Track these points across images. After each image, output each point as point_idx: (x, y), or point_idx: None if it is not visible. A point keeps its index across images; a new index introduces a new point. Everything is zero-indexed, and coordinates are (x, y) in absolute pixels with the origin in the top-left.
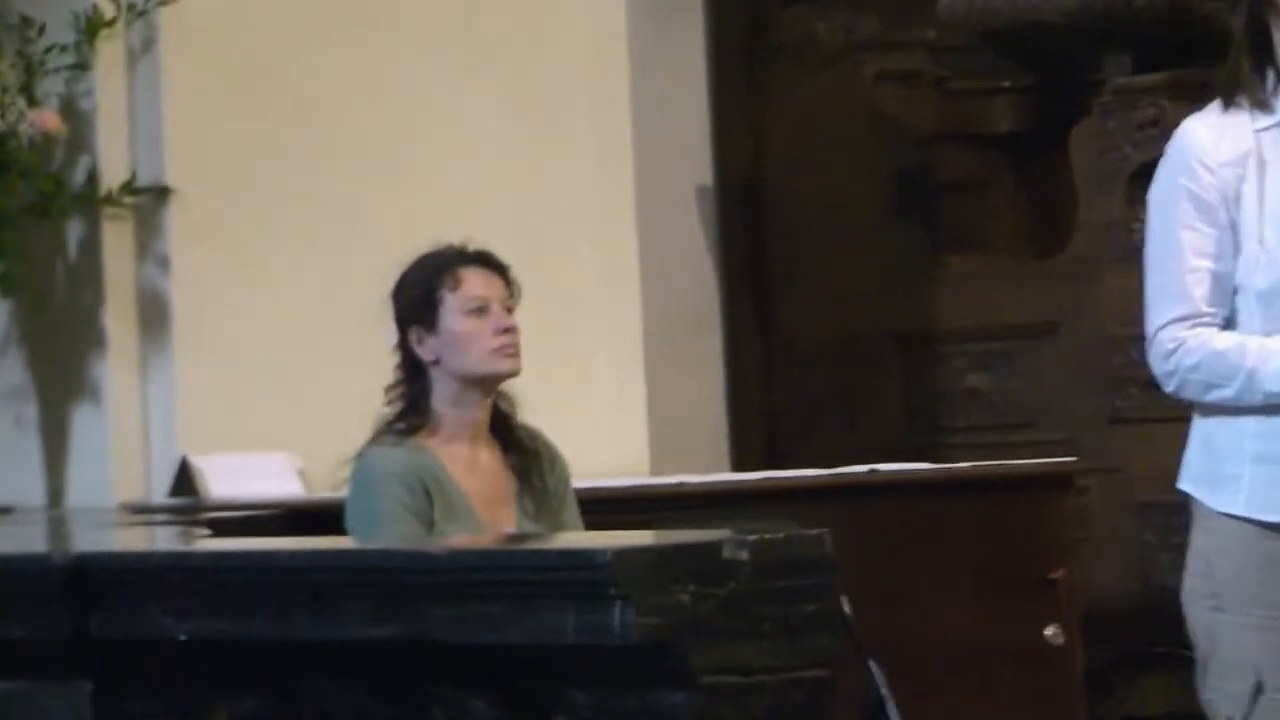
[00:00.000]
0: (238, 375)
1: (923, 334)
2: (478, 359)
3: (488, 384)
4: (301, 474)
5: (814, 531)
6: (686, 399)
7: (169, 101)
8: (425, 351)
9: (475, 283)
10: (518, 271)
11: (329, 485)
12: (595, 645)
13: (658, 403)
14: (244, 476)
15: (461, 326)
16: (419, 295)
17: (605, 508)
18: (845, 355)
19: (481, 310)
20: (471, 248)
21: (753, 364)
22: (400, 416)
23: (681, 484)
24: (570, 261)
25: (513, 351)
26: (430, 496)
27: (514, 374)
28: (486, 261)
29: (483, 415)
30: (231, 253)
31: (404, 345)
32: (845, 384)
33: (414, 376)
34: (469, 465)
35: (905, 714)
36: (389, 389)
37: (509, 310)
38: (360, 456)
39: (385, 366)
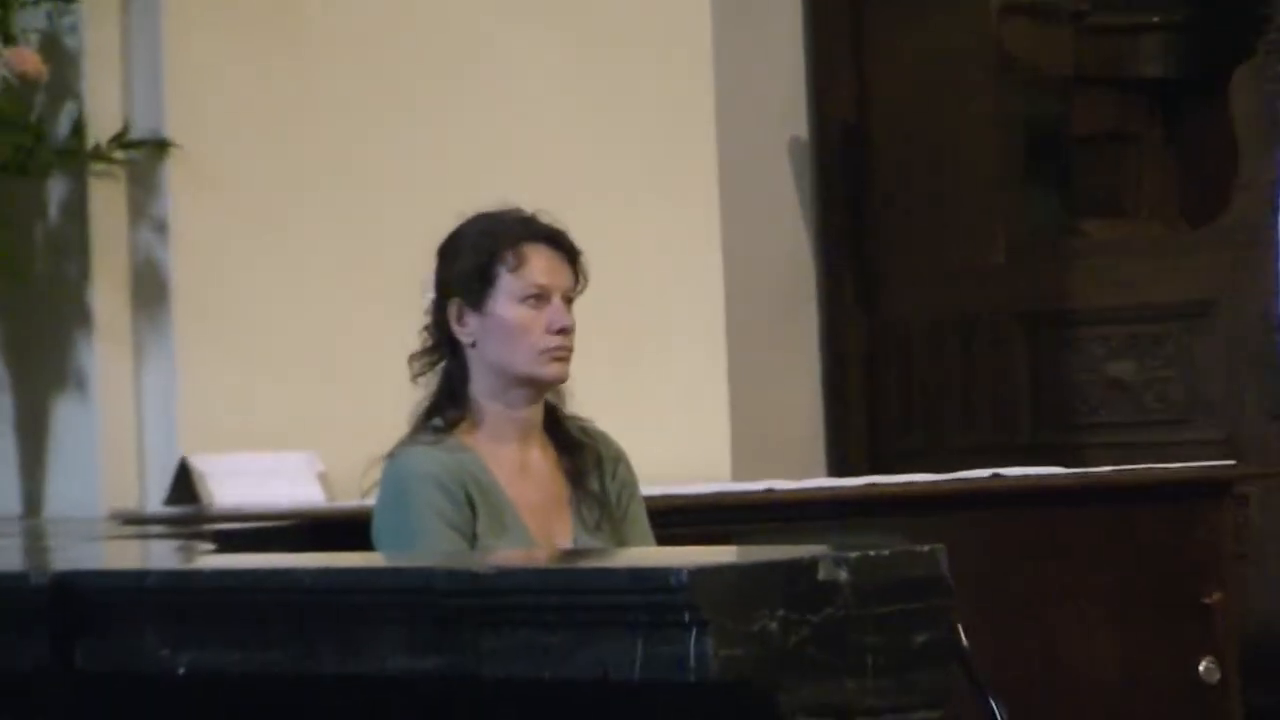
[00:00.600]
0: (249, 361)
1: (1055, 315)
2: (522, 357)
3: (529, 386)
4: (323, 478)
5: (926, 547)
6: (776, 391)
7: (170, 38)
8: (463, 330)
9: (540, 266)
10: (581, 241)
11: (356, 491)
12: (667, 681)
13: (742, 394)
14: (255, 480)
15: (513, 315)
16: (472, 266)
17: (680, 518)
18: (963, 339)
19: (540, 299)
20: (543, 219)
21: (854, 350)
22: (435, 408)
23: (770, 491)
24: (641, 228)
25: (563, 356)
26: (473, 505)
27: (559, 382)
28: (557, 242)
29: (531, 414)
30: (242, 218)
31: (439, 314)
32: (963, 373)
33: (445, 350)
34: (518, 468)
35: None
36: (414, 357)
37: (569, 303)
38: (392, 457)
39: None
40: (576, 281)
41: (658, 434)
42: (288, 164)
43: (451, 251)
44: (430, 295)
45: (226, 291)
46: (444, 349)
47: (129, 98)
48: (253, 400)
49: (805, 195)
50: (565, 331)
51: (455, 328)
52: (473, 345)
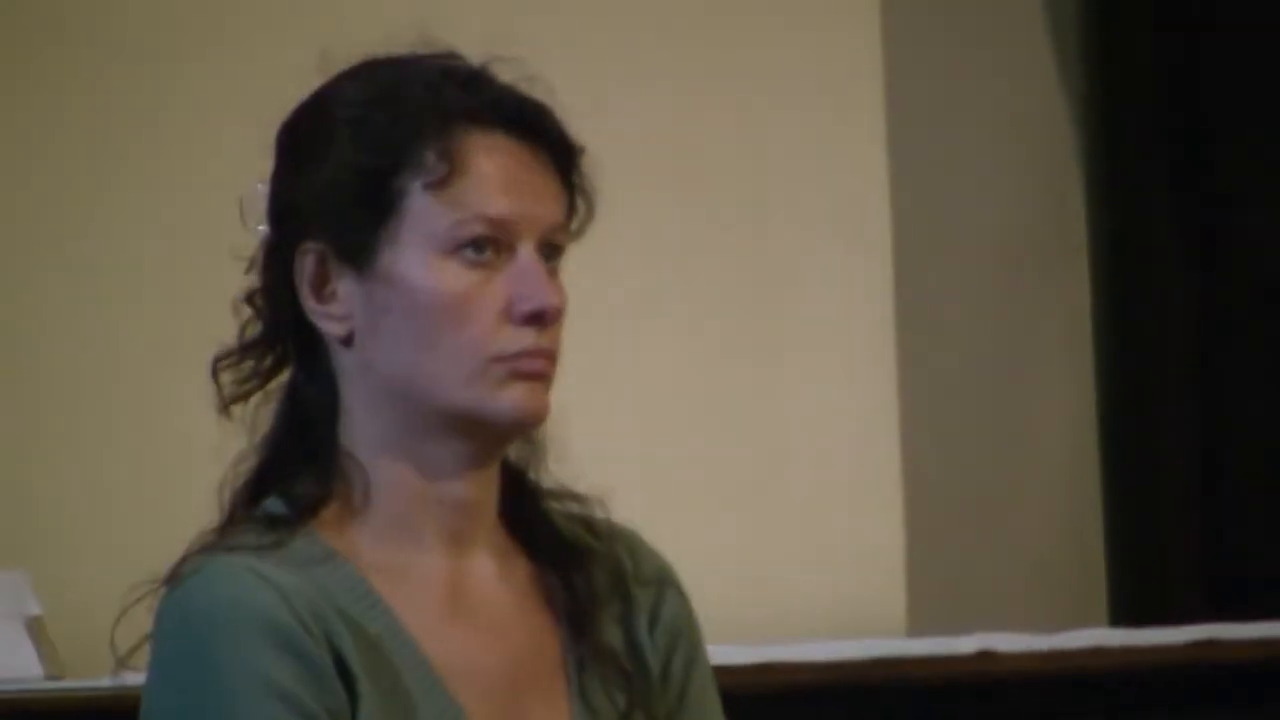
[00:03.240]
0: None
1: None
2: (453, 370)
3: (469, 434)
4: (38, 627)
5: None
6: (998, 451)
7: None
8: (328, 310)
9: (496, 175)
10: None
11: (105, 655)
12: None
13: (928, 461)
14: None
15: (436, 281)
16: (350, 174)
17: (807, 708)
18: None
19: (493, 248)
20: (503, 79)
21: (1172, 352)
22: (271, 473)
23: (985, 654)
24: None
25: (540, 371)
26: (349, 676)
27: (530, 424)
28: (532, 127)
29: (473, 490)
30: None
31: (276, 271)
32: None
33: (288, 350)
34: (449, 600)
35: None
36: (223, 360)
37: (554, 256)
38: (177, 580)
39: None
40: (570, 213)
41: (762, 545)
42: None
43: (308, 139)
44: (260, 228)
45: None
46: (286, 346)
47: None
48: None
49: (1068, 65)
50: (544, 319)
51: (311, 304)
52: (347, 340)
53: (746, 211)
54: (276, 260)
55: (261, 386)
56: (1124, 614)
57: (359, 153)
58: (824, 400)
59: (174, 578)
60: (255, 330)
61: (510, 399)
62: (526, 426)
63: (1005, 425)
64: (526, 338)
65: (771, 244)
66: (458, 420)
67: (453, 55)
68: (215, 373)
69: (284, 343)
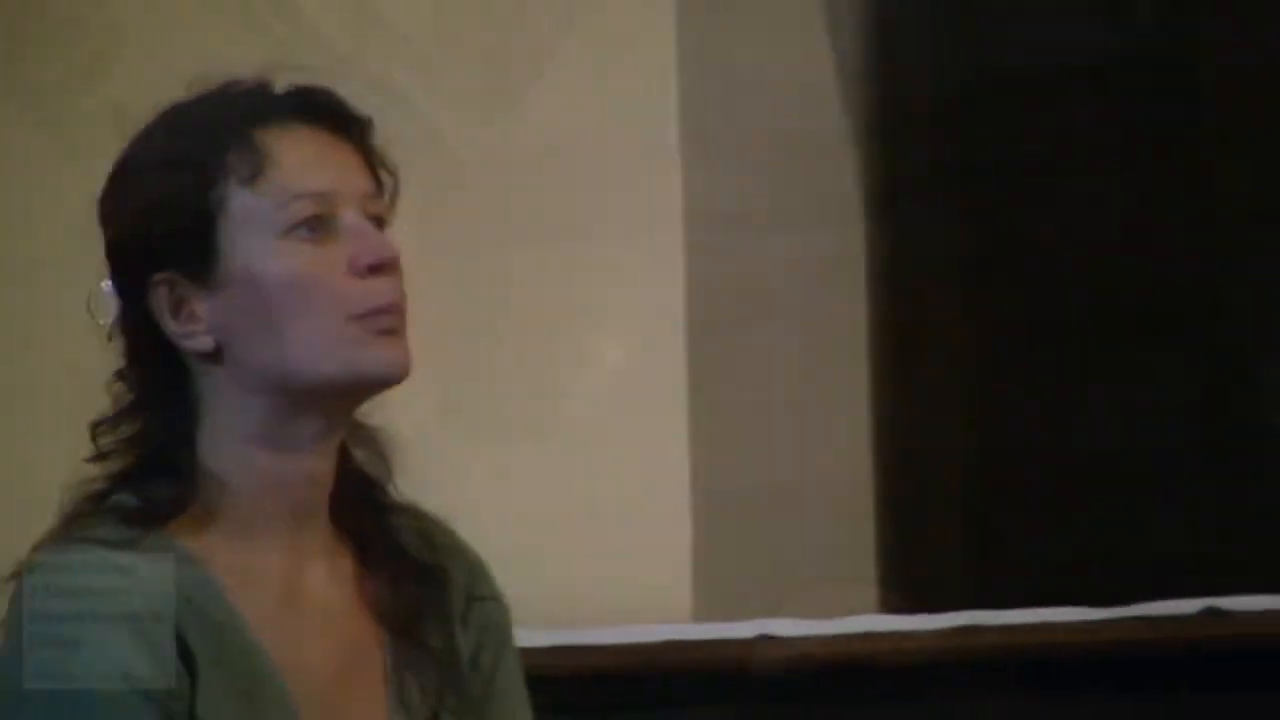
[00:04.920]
0: None
1: None
2: (320, 340)
3: (347, 396)
4: None
5: None
6: (780, 453)
7: None
8: (190, 330)
9: (302, 159)
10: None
11: None
12: None
13: (714, 470)
14: None
15: (277, 265)
16: (174, 198)
17: (598, 686)
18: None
19: (321, 224)
20: (293, 81)
21: (943, 361)
22: (132, 476)
23: (765, 639)
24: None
25: (393, 324)
26: (193, 663)
27: (393, 378)
28: (328, 115)
29: (322, 462)
30: None
31: (136, 323)
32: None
33: (160, 386)
34: (285, 595)
35: None
36: (99, 426)
37: (378, 225)
38: (28, 570)
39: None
40: (379, 183)
41: (553, 531)
42: None
43: (127, 189)
44: (106, 294)
45: None
46: (160, 384)
47: None
48: None
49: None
50: (384, 268)
51: (174, 329)
52: (214, 354)
53: (550, 229)
54: (134, 310)
55: (144, 429)
56: (900, 600)
57: (171, 180)
58: (618, 404)
59: (23, 570)
60: (139, 382)
61: (375, 357)
62: (394, 381)
63: (790, 432)
64: (376, 292)
65: (573, 255)
66: (332, 388)
67: (232, 79)
68: (94, 433)
69: (159, 385)
